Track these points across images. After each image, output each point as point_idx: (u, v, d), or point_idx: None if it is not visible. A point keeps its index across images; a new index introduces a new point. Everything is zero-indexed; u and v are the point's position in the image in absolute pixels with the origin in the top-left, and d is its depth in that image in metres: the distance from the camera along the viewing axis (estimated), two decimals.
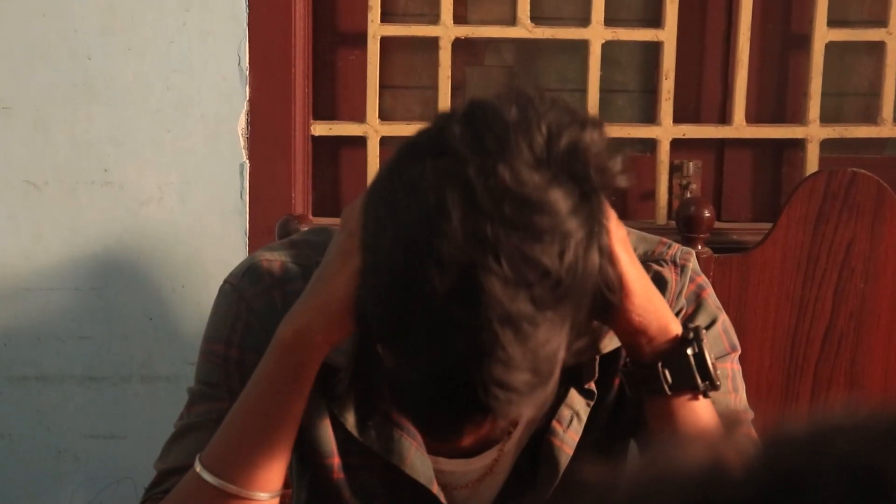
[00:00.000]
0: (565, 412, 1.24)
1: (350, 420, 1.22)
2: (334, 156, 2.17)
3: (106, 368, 2.08)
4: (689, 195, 2.13)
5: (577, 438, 1.25)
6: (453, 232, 0.91)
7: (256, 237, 2.02)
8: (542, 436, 1.24)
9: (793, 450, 0.47)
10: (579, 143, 0.96)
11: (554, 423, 1.24)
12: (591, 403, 1.24)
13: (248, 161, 2.02)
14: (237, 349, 1.22)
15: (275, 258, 1.25)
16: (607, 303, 1.03)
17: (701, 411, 1.15)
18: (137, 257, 2.04)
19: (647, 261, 1.25)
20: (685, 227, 1.87)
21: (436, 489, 1.24)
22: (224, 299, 1.25)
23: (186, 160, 2.01)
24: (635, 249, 1.26)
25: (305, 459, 1.25)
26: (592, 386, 1.24)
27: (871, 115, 2.17)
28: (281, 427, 1.13)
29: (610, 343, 1.19)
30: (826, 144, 2.13)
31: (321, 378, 1.14)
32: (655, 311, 1.12)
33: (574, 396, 1.24)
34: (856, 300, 1.88)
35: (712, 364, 1.13)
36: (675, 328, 1.14)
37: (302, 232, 1.35)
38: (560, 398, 1.22)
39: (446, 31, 2.07)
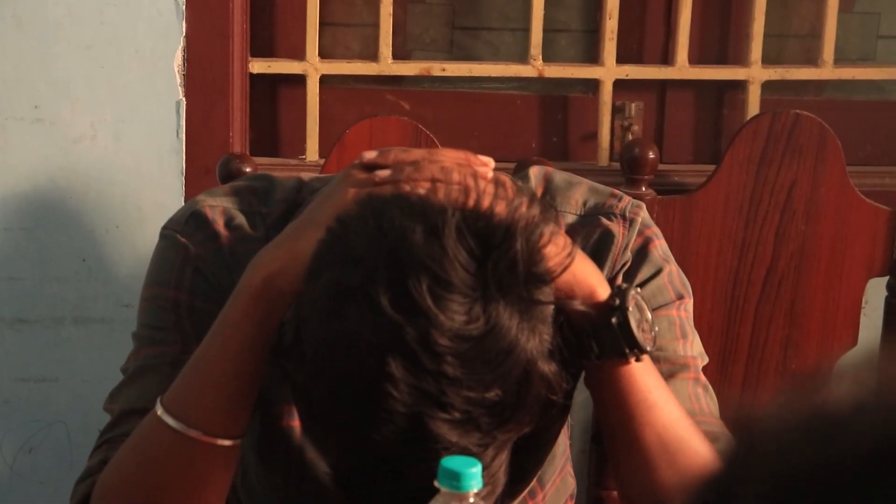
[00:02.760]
0: None
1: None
2: (273, 94, 2.12)
3: (37, 310, 2.03)
4: (630, 137, 2.12)
5: None
6: (399, 391, 0.92)
7: (193, 177, 1.98)
8: None
9: None
10: (505, 259, 0.95)
11: None
12: None
13: (184, 99, 1.96)
14: (187, 294, 1.20)
15: (217, 204, 1.22)
16: (552, 403, 1.02)
17: (640, 375, 1.14)
18: (70, 197, 1.98)
19: (597, 214, 1.24)
20: (629, 169, 1.86)
21: None
22: (168, 245, 1.22)
23: (121, 97, 1.96)
24: (585, 202, 1.26)
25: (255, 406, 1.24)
26: None
27: (811, 57, 2.17)
28: (246, 372, 1.11)
29: None
30: (766, 86, 2.13)
31: None
32: (581, 277, 1.11)
33: None
34: (797, 242, 1.89)
35: (639, 330, 1.11)
36: (602, 293, 1.12)
37: (244, 178, 1.32)
38: None
39: None
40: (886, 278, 1.90)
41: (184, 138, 1.97)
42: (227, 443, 1.12)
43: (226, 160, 1.71)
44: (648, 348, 1.13)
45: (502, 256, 0.95)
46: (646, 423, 1.14)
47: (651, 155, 1.85)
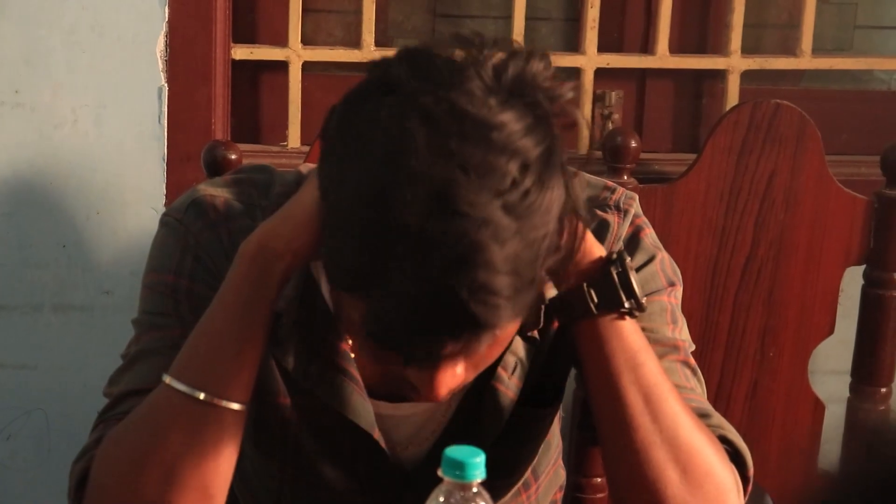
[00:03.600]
0: (510, 359, 1.25)
1: (292, 365, 1.21)
2: (255, 80, 2.12)
3: (17, 297, 2.02)
4: (611, 125, 2.13)
5: (520, 385, 1.26)
6: (420, 152, 0.93)
7: (174, 163, 1.97)
8: (486, 382, 1.24)
9: None
10: (527, 72, 0.98)
11: (499, 369, 1.24)
12: (534, 350, 1.25)
13: (166, 84, 1.96)
14: (187, 280, 1.20)
15: (218, 194, 1.23)
16: (577, 218, 1.04)
17: (629, 333, 1.16)
18: (50, 182, 1.97)
19: (592, 206, 1.26)
20: (611, 158, 1.87)
21: (377, 434, 1.23)
22: (169, 232, 1.23)
23: (102, 83, 1.95)
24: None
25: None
26: (535, 333, 1.25)
27: (789, 46, 2.19)
28: (249, 336, 1.12)
29: (550, 290, 1.19)
30: (745, 75, 2.14)
31: None
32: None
33: (518, 343, 1.25)
34: (775, 230, 1.91)
35: (636, 282, 1.14)
36: (599, 250, 1.15)
37: (243, 168, 1.32)
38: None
39: None
40: (863, 267, 1.92)
41: (165, 124, 1.97)
42: (233, 406, 1.11)
43: (211, 147, 1.71)
44: (644, 301, 1.15)
45: (520, 60, 0.98)
46: (632, 381, 1.16)
47: (633, 144, 1.86)
